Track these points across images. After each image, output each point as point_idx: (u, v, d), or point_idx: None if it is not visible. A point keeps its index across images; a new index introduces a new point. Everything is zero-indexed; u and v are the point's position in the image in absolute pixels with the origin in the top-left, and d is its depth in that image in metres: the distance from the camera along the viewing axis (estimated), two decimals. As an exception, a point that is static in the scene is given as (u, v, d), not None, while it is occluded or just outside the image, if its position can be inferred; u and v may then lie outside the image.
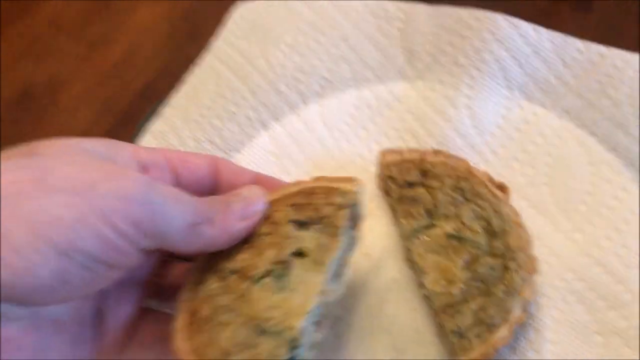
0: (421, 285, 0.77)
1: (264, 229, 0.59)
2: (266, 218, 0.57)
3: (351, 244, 0.59)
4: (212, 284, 0.57)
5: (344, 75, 0.88)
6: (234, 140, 0.87)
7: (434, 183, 0.78)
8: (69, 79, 1.03)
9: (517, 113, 0.84)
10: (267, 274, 0.54)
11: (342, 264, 0.58)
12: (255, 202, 0.60)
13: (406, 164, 0.79)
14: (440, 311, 0.72)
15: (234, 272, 0.58)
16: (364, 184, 0.58)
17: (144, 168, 0.62)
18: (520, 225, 0.75)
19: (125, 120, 0.96)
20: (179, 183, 0.64)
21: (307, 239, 0.55)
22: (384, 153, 0.80)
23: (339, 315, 0.77)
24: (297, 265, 0.54)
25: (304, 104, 0.88)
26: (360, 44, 0.89)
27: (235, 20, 0.95)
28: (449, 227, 0.76)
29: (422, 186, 0.78)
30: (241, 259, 0.58)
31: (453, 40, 0.86)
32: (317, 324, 0.52)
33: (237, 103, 0.89)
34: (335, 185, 0.60)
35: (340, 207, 0.56)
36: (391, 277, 0.78)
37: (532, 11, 0.90)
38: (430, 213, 0.77)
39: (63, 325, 0.57)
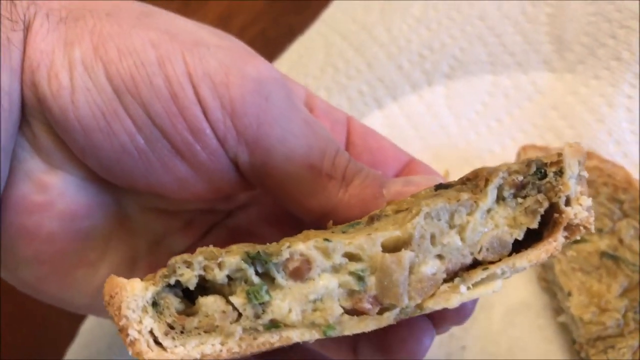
0: (560, 310, 0.63)
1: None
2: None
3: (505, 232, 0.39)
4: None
5: (478, 58, 0.76)
6: (341, 115, 0.75)
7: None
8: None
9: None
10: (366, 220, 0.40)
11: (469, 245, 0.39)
12: (420, 189, 0.44)
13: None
14: (588, 344, 0.58)
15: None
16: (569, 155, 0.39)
17: (312, 109, 0.49)
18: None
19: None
20: None
21: (439, 196, 0.39)
22: (526, 148, 0.67)
23: (454, 334, 0.63)
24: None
25: (428, 84, 0.76)
26: (501, 25, 0.76)
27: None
28: (603, 244, 0.62)
29: (572, 192, 0.64)
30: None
31: (614, 31, 0.73)
32: (349, 292, 0.37)
33: (350, 75, 0.77)
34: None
35: (512, 170, 0.39)
36: (521, 299, 0.65)
37: None
38: (580, 224, 0.64)
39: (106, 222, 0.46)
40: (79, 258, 0.44)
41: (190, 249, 0.49)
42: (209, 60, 0.40)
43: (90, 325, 0.67)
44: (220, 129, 0.41)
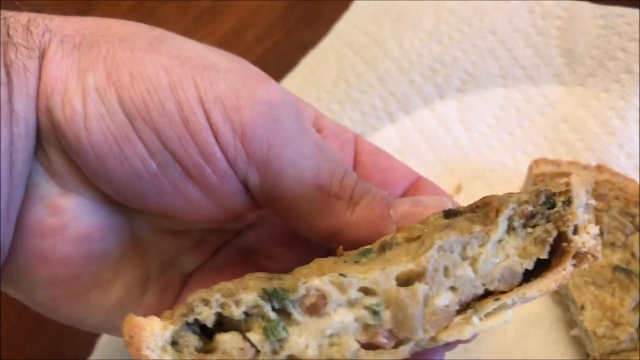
0: (573, 323, 0.63)
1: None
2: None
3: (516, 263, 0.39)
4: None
5: (490, 72, 0.76)
6: (353, 129, 0.75)
7: (599, 204, 0.64)
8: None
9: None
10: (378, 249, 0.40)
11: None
12: (428, 210, 0.44)
13: (564, 177, 0.66)
14: (602, 358, 0.59)
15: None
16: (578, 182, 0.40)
17: (320, 130, 0.49)
18: None
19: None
20: None
21: (450, 227, 0.39)
22: (538, 162, 0.68)
23: (468, 347, 0.64)
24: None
25: (440, 98, 0.76)
26: (512, 39, 0.77)
27: (363, 2, 0.84)
28: (615, 257, 0.62)
29: (584, 205, 0.65)
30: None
31: (624, 44, 0.73)
32: (365, 326, 0.37)
33: (362, 89, 0.78)
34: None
35: (522, 201, 0.39)
36: (533, 312, 0.65)
37: None
38: (592, 238, 0.64)
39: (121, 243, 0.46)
40: (93, 279, 0.45)
41: (201, 268, 0.51)
42: (219, 84, 0.41)
43: (107, 339, 0.67)
44: (230, 152, 0.41)
